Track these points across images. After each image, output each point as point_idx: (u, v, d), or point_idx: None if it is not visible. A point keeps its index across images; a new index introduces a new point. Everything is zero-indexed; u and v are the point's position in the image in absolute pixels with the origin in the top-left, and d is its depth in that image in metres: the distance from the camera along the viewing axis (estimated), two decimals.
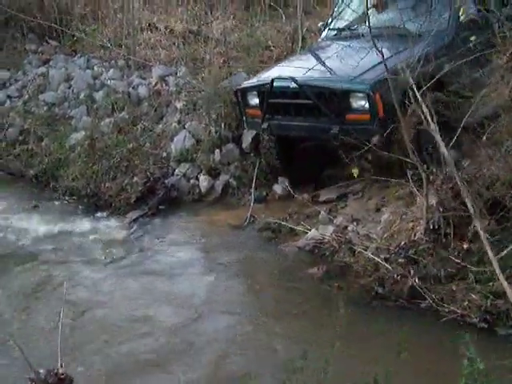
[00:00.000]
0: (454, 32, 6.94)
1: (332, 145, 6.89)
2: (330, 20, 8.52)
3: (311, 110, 6.92)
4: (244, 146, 8.28)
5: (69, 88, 10.65)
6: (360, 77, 6.63)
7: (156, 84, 9.97)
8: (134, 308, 5.73)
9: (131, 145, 8.76)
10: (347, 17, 8.12)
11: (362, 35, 7.07)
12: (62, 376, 3.36)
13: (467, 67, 6.44)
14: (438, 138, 4.91)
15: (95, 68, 10.97)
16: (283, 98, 7.17)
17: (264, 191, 7.88)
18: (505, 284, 3.91)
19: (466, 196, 4.66)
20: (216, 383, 4.70)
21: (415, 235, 5.69)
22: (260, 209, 7.54)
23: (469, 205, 4.56)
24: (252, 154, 8.13)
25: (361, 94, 6.64)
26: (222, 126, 8.53)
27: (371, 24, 6.28)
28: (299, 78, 6.88)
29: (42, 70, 11.24)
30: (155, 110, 9.49)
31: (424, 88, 5.59)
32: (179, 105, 9.25)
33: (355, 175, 5.65)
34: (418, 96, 5.29)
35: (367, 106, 6.58)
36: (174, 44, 11.25)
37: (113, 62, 11.04)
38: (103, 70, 10.85)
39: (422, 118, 5.37)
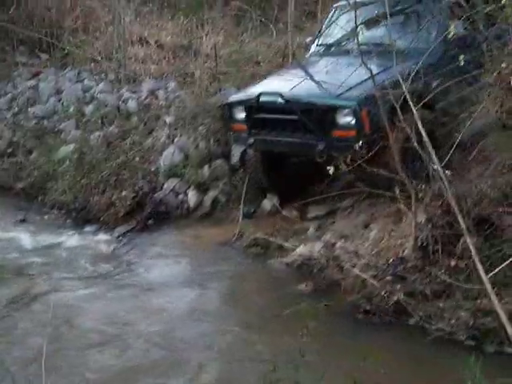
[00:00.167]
0: (442, 50, 6.96)
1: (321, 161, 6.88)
2: (318, 36, 8.53)
3: (297, 126, 6.86)
4: (233, 161, 8.28)
5: (58, 101, 10.66)
6: (347, 93, 6.59)
7: (146, 98, 9.97)
8: (117, 321, 5.68)
9: (120, 159, 8.75)
10: (335, 33, 8.11)
11: (350, 51, 7.08)
12: None
13: (455, 85, 6.47)
14: (432, 154, 4.91)
15: (85, 81, 10.99)
16: (269, 113, 7.12)
17: (253, 207, 7.85)
18: (496, 302, 3.91)
19: (457, 213, 4.67)
20: None
21: (403, 252, 5.69)
22: (249, 225, 7.50)
23: (460, 221, 4.57)
24: (241, 170, 8.12)
25: (347, 110, 6.58)
26: (211, 141, 8.54)
27: (359, 41, 6.30)
28: (286, 93, 6.84)
29: (32, 82, 11.25)
30: (145, 124, 9.49)
31: (419, 105, 5.58)
32: (169, 119, 9.25)
33: (331, 173, 5.63)
34: (414, 109, 5.28)
35: (353, 122, 6.52)
36: (165, 58, 11.28)
37: (103, 75, 11.06)
38: (93, 83, 10.86)
39: (410, 135, 5.37)
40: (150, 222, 7.95)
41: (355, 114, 6.49)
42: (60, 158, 9.31)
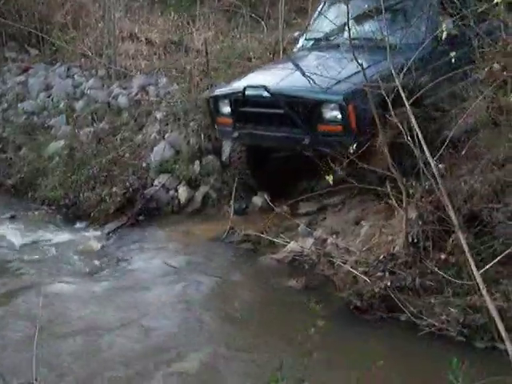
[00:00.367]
0: (431, 45, 6.93)
1: (311, 156, 6.85)
2: (306, 30, 8.48)
3: (283, 120, 6.81)
4: (224, 157, 8.25)
5: (48, 97, 10.61)
6: (334, 87, 6.53)
7: (136, 94, 9.94)
8: (106, 318, 5.69)
9: (111, 155, 8.71)
10: (324, 27, 8.02)
11: (338, 46, 7.05)
12: None
13: (445, 81, 6.45)
14: (426, 150, 4.90)
15: (75, 77, 10.95)
16: (255, 107, 7.08)
17: (244, 203, 7.85)
18: (487, 299, 3.91)
19: (449, 209, 4.67)
20: None
21: (394, 248, 5.70)
22: (240, 221, 7.49)
23: (453, 217, 4.57)
24: (232, 166, 8.09)
25: (334, 105, 6.53)
26: (202, 136, 8.51)
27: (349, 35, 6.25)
28: (272, 87, 6.78)
29: (22, 78, 11.20)
30: (135, 121, 9.46)
31: (410, 100, 5.55)
32: (159, 115, 9.22)
33: (330, 182, 5.61)
34: (407, 104, 5.25)
35: (340, 117, 6.48)
36: (155, 54, 11.25)
37: (93, 71, 11.03)
38: (83, 79, 10.81)
39: (401, 130, 5.35)
40: (141, 218, 7.94)
41: (342, 108, 6.44)
42: (50, 154, 9.27)
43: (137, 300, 6.03)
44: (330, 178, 5.62)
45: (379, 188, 6.11)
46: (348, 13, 6.12)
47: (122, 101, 9.94)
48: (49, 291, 6.18)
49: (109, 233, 7.66)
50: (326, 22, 7.94)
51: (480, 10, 6.42)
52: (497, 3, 5.43)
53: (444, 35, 5.39)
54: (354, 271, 5.74)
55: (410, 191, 5.67)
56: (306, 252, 6.43)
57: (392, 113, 5.50)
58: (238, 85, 7.32)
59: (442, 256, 5.40)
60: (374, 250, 5.89)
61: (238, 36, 11.65)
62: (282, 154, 7.72)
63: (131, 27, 11.98)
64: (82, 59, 11.31)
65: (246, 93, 6.98)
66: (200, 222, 7.78)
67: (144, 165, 8.61)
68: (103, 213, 7.98)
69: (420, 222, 5.55)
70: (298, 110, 6.71)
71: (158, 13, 12.76)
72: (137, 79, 10.31)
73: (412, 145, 5.20)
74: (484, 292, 3.94)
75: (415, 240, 5.54)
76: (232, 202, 7.79)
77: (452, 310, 5.10)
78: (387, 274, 5.52)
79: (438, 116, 6.63)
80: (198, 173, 8.30)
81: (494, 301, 4.58)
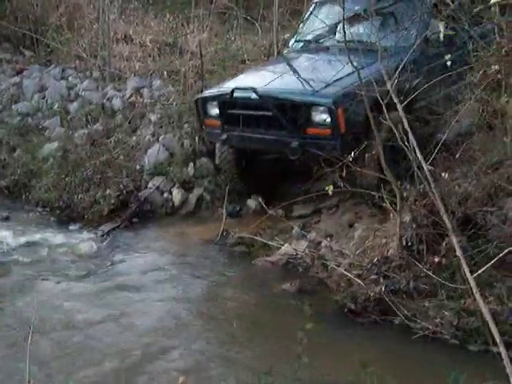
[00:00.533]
0: (422, 48, 6.87)
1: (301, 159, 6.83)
2: (296, 31, 8.45)
3: (272, 123, 6.75)
4: (216, 160, 8.23)
5: (43, 98, 10.58)
6: (323, 90, 6.50)
7: (131, 96, 9.93)
8: (97, 318, 5.68)
9: (105, 157, 8.69)
10: (314, 29, 7.97)
11: (328, 48, 7.01)
12: None
13: (439, 84, 6.43)
14: (418, 154, 4.89)
15: (70, 79, 10.94)
16: (243, 109, 7.01)
17: (238, 206, 7.84)
18: (481, 302, 3.91)
19: (443, 212, 4.67)
20: None
21: (388, 251, 5.69)
22: (233, 223, 7.48)
23: (446, 221, 4.57)
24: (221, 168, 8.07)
25: (323, 108, 6.48)
26: (197, 139, 8.50)
27: (340, 38, 6.22)
28: (260, 89, 6.73)
29: (16, 79, 11.17)
30: (129, 123, 9.45)
31: (403, 104, 5.53)
32: (153, 117, 9.21)
33: (330, 192, 5.58)
34: (399, 108, 5.24)
35: (329, 120, 6.43)
36: (150, 56, 11.25)
37: (88, 73, 11.02)
38: (78, 80, 10.80)
39: (396, 133, 5.33)
40: (135, 220, 7.93)
41: (331, 111, 6.38)
42: (44, 155, 9.24)
43: (128, 300, 6.04)
44: (329, 189, 5.59)
45: (373, 192, 6.10)
46: (344, 14, 6.10)
47: (117, 103, 9.92)
48: (41, 293, 6.17)
49: (103, 235, 7.63)
50: (316, 23, 7.91)
51: (475, 11, 6.42)
52: (490, 7, 5.44)
53: (441, 37, 5.35)
54: (347, 274, 5.74)
55: (404, 194, 5.67)
56: (300, 255, 6.43)
57: (386, 116, 5.48)
58: (227, 86, 7.29)
59: (436, 259, 5.40)
60: (368, 253, 5.88)
61: (233, 38, 11.67)
62: (270, 156, 7.68)
63: (126, 29, 11.99)
64: (77, 61, 11.31)
65: (235, 95, 6.93)
66: (194, 225, 7.76)
67: (138, 167, 8.59)
68: (97, 215, 7.97)
69: (414, 225, 5.55)
70: (287, 112, 6.66)
71: (152, 15, 12.75)
72: (131, 81, 10.30)
73: (405, 148, 5.20)
74: (477, 295, 3.94)
75: (409, 243, 5.54)
76: (225, 204, 7.78)
77: (446, 313, 5.11)
78: (381, 277, 5.52)
79: (431, 119, 6.62)
80: (192, 175, 8.29)
81: (488, 304, 4.60)
